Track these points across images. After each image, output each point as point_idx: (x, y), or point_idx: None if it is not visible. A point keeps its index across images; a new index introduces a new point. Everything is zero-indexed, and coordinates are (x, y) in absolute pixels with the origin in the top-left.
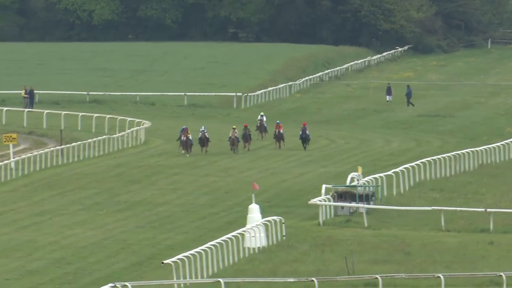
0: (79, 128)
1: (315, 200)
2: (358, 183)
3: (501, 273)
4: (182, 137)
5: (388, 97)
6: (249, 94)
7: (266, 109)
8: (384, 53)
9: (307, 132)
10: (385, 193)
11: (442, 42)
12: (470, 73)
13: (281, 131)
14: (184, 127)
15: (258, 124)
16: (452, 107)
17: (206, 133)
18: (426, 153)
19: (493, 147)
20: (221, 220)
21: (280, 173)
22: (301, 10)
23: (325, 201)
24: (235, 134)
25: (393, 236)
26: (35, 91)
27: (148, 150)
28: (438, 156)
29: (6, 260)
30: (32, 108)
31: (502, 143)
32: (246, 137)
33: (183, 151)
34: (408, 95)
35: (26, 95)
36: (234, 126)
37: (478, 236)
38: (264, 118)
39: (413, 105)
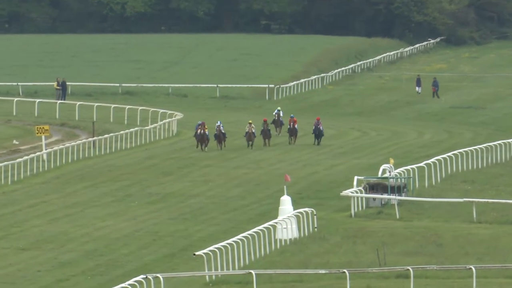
0: (111, 120)
1: (347, 192)
2: (390, 175)
3: None
4: (198, 132)
5: (418, 89)
6: (282, 85)
7: (298, 101)
8: (417, 45)
9: (321, 127)
10: (417, 185)
11: (474, 34)
12: (502, 64)
13: (296, 126)
14: (200, 122)
15: (275, 118)
16: (484, 99)
17: (222, 129)
18: (458, 145)
19: None
20: (253, 212)
21: (312, 165)
22: (334, 2)
23: (357, 192)
24: (252, 129)
25: (424, 228)
26: (67, 83)
27: (180, 142)
28: (470, 148)
29: (38, 252)
30: (64, 100)
31: None
32: (266, 133)
33: (198, 147)
34: (435, 86)
35: (58, 87)
36: (250, 121)
37: (510, 228)
38: (281, 113)
39: (438, 97)
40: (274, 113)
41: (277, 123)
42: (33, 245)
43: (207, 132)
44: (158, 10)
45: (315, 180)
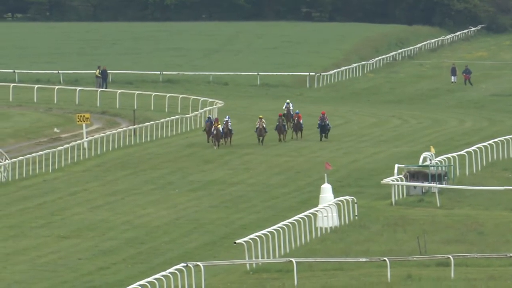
0: (152, 108)
1: (387, 180)
2: (430, 163)
3: None
4: (213, 129)
5: (453, 78)
6: (322, 73)
7: (338, 89)
8: (457, 33)
9: (327, 121)
10: (458, 172)
11: None
12: None
13: (301, 121)
14: (210, 116)
15: (285, 112)
16: None
17: (230, 125)
18: (499, 132)
19: None
20: (293, 200)
21: (352, 153)
22: None
23: (397, 180)
24: (263, 124)
25: (465, 216)
26: (108, 71)
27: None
28: (511, 136)
29: (79, 240)
30: (105, 88)
31: None
32: (280, 128)
33: (212, 143)
34: (467, 74)
35: (99, 75)
36: (260, 116)
37: None
38: (291, 106)
39: (471, 84)
40: (284, 107)
41: (288, 116)
42: (74, 233)
43: (221, 128)
44: None
45: (356, 168)
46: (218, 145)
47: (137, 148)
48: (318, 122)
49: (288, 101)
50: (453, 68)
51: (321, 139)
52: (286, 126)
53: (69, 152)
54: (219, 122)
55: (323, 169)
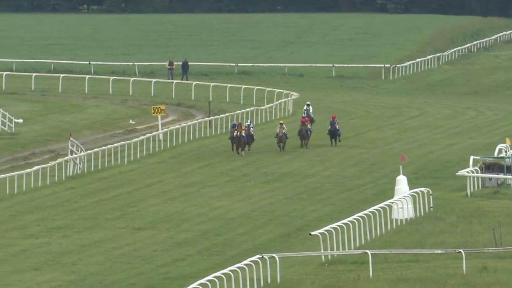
0: (227, 100)
1: (462, 172)
2: (506, 155)
3: None
4: (235, 133)
5: None
6: (397, 65)
7: (413, 80)
8: None
9: (337, 126)
10: None
11: None
12: None
13: (309, 126)
14: (235, 122)
15: (305, 115)
16: None
17: (252, 130)
18: None
19: None
20: (368, 191)
21: (428, 144)
22: None
23: (472, 172)
24: (283, 131)
25: None
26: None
27: (296, 122)
28: None
29: (155, 231)
30: (186, 80)
31: None
32: (303, 134)
33: (236, 150)
34: None
35: (169, 67)
36: (281, 121)
37: None
38: (311, 108)
39: None
40: (304, 109)
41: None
42: (149, 224)
43: (244, 134)
44: None
45: (431, 159)
46: (243, 153)
47: (213, 139)
48: (328, 127)
49: (308, 103)
50: None
51: (332, 145)
52: (308, 132)
53: (145, 144)
54: (243, 128)
55: (398, 161)
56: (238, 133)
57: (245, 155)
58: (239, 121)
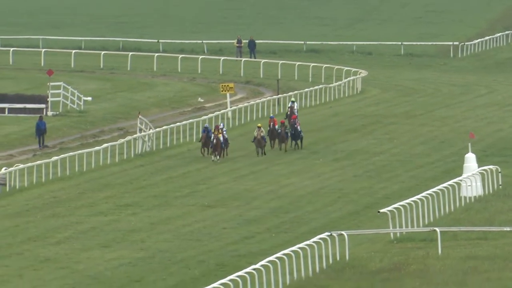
0: (296, 78)
1: None
2: None
3: None
4: (212, 138)
5: None
6: (466, 43)
7: (482, 58)
8: None
9: (298, 127)
10: None
11: None
12: None
13: (276, 126)
14: (206, 125)
15: (288, 113)
16: None
17: (225, 132)
18: None
19: None
20: (437, 169)
21: (497, 122)
22: None
23: None
24: (261, 134)
25: None
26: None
27: (365, 100)
28: None
29: (224, 209)
30: (254, 58)
31: None
32: (283, 136)
33: (210, 154)
34: None
35: (238, 44)
36: (259, 125)
37: None
38: (296, 105)
39: None
40: (288, 106)
41: (290, 117)
42: (218, 202)
43: (221, 137)
44: None
45: (500, 137)
46: (219, 157)
47: (281, 117)
48: (290, 130)
49: (293, 99)
50: None
51: (294, 147)
52: (288, 134)
53: (213, 122)
54: (219, 131)
55: (467, 139)
56: (215, 139)
57: (249, 157)
58: (219, 123)
